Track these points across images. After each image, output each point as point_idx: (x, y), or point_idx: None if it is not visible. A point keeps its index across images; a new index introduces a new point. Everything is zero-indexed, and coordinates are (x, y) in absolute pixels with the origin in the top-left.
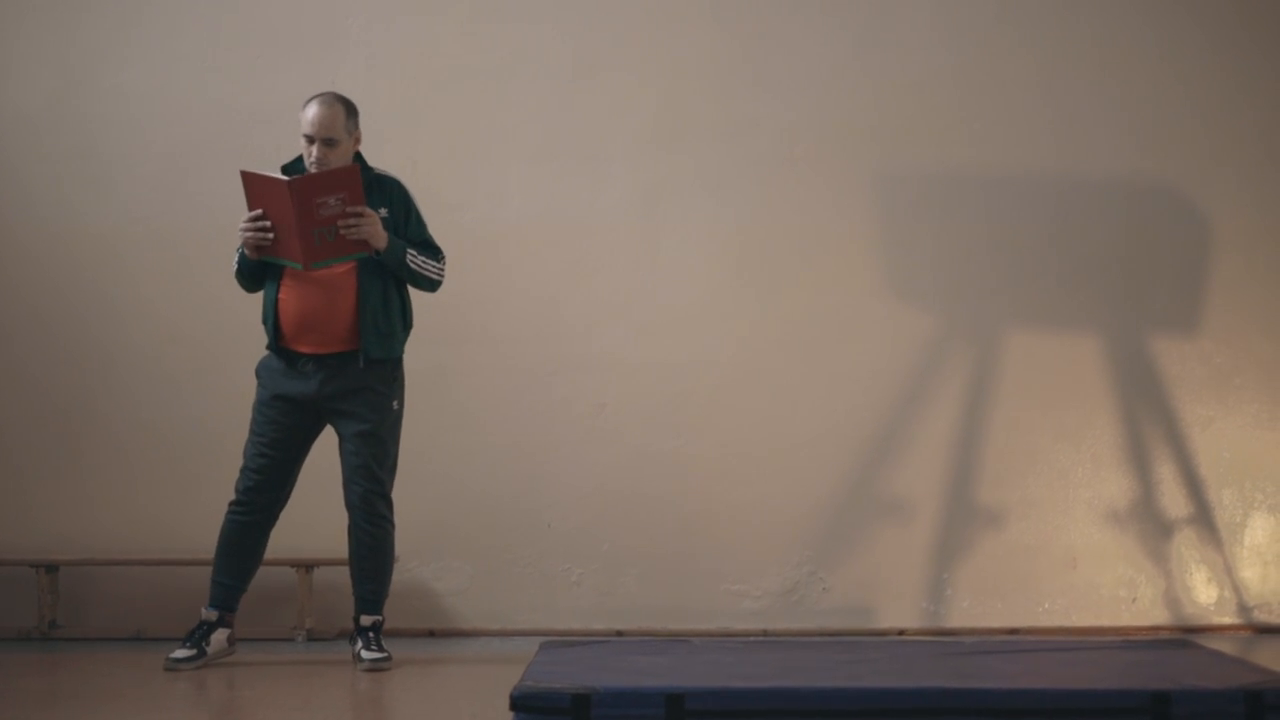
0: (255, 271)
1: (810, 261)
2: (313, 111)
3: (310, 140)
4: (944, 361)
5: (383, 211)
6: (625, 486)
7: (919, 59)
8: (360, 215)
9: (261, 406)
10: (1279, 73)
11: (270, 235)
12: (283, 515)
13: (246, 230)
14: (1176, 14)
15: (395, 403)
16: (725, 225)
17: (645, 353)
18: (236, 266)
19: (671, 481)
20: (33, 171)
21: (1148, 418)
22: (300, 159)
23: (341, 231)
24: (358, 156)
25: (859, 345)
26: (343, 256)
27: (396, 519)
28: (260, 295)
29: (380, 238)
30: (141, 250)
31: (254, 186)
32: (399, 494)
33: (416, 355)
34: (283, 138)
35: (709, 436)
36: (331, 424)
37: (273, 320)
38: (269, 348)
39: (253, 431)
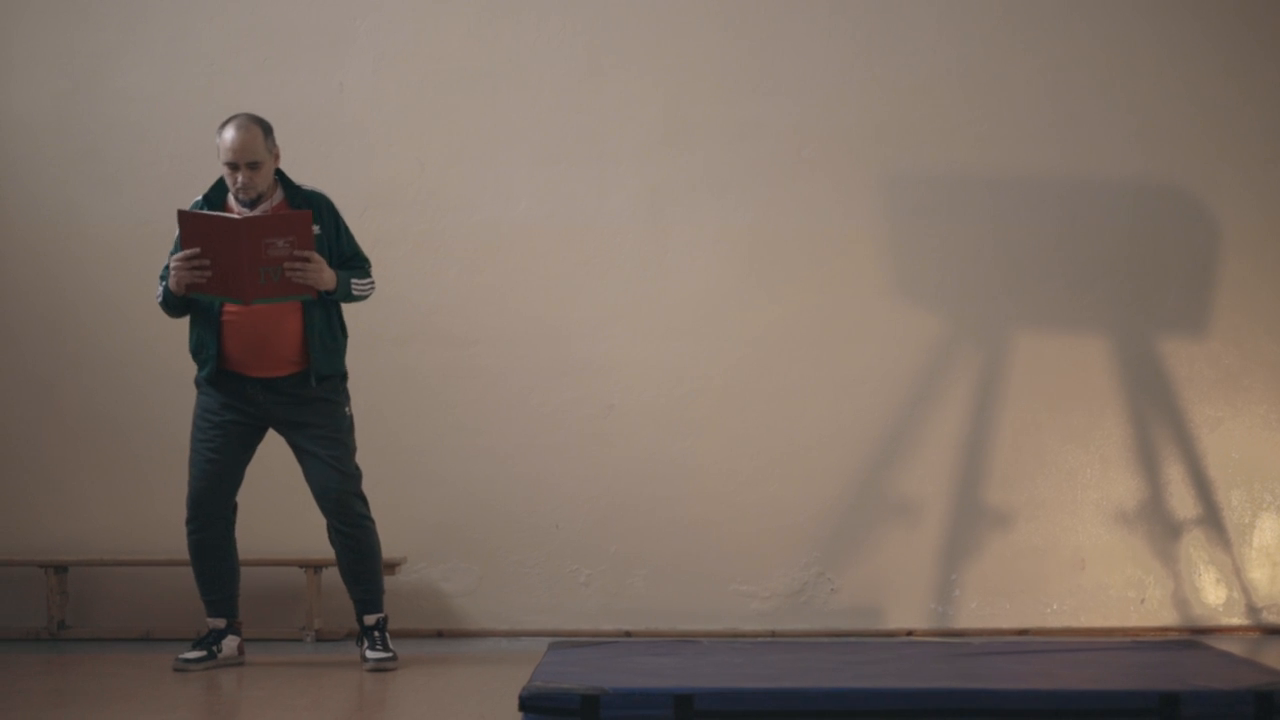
0: (181, 304)
1: (818, 263)
2: (230, 137)
3: (234, 167)
4: (951, 363)
5: (315, 229)
6: (633, 488)
7: (926, 61)
8: (308, 260)
9: (208, 414)
10: None
11: (207, 274)
12: (291, 516)
13: (182, 269)
14: (1182, 16)
15: (347, 409)
16: (733, 227)
17: (653, 354)
18: (162, 297)
19: (679, 483)
20: (39, 173)
21: (1156, 419)
22: (220, 183)
23: (287, 274)
24: (279, 173)
25: (867, 347)
26: (286, 297)
27: (404, 520)
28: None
29: (326, 282)
30: (148, 252)
31: (192, 225)
32: (406, 494)
33: (424, 356)
34: (289, 140)
35: (717, 438)
36: (286, 437)
37: (214, 348)
38: (206, 379)
39: (196, 439)
